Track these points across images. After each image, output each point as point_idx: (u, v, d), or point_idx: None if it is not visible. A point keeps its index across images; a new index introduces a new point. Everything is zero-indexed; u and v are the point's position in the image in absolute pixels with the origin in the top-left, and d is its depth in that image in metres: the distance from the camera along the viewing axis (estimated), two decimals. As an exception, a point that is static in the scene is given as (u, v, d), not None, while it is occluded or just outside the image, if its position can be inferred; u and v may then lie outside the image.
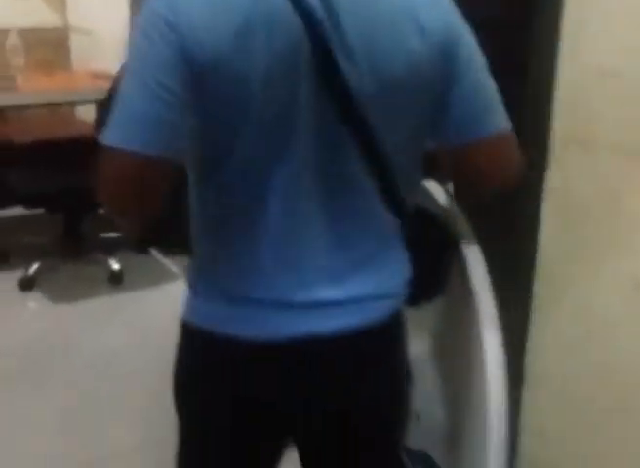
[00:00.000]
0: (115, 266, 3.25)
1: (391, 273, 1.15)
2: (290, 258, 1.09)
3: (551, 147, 1.68)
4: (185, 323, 1.16)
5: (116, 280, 3.25)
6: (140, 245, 3.49)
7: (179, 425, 1.23)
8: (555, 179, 1.70)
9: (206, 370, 1.17)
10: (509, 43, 1.65)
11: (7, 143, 3.28)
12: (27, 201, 3.19)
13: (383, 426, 1.25)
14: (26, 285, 3.18)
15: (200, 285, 1.15)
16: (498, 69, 1.65)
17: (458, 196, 1.35)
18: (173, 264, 3.44)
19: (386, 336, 1.17)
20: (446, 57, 1.05)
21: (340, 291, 1.10)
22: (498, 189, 1.20)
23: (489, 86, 1.12)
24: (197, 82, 0.95)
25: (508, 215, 1.76)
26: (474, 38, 1.10)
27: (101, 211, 3.72)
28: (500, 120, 1.12)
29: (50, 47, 2.87)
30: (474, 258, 1.31)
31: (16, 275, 3.20)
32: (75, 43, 4.29)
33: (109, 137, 0.96)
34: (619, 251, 1.62)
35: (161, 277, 3.31)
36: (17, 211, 3.31)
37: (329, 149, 1.04)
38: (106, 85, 2.21)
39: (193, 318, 1.15)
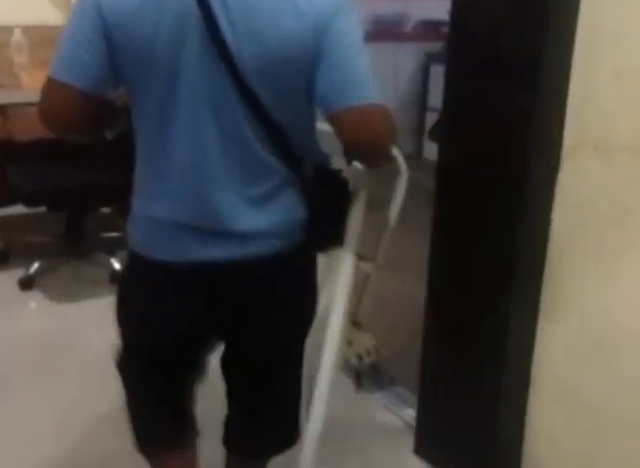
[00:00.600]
0: (116, 266, 3.22)
1: (282, 215, 1.39)
2: (195, 192, 1.34)
3: (564, 148, 1.66)
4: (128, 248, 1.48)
5: (117, 280, 3.21)
6: None
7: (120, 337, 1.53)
8: (567, 181, 1.67)
9: (135, 286, 1.50)
10: (524, 43, 1.63)
11: (9, 141, 3.25)
12: (29, 199, 3.15)
13: (269, 346, 1.53)
14: (27, 284, 3.15)
15: (132, 212, 1.44)
16: (511, 69, 1.62)
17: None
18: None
19: (277, 267, 1.42)
20: (317, 34, 1.25)
21: (236, 225, 1.35)
22: (373, 158, 1.40)
23: (356, 63, 1.29)
24: (108, 35, 1.27)
25: (519, 217, 1.73)
26: (354, 22, 1.31)
27: (104, 210, 3.70)
28: (364, 94, 1.29)
29: (54, 45, 2.82)
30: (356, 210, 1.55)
31: (16, 274, 3.17)
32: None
33: (49, 70, 1.32)
34: (631, 254, 1.59)
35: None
36: (18, 209, 3.27)
37: (227, 105, 1.29)
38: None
39: (129, 242, 1.46)
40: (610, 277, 1.64)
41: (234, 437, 1.70)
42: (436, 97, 1.90)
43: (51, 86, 1.33)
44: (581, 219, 1.67)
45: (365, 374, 1.81)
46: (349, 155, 1.43)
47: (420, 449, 2.14)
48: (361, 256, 1.65)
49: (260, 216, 1.37)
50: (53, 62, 1.32)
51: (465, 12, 1.75)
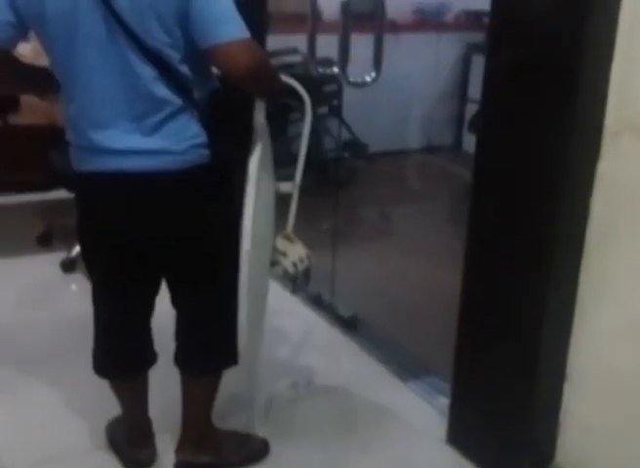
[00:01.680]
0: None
1: (180, 136, 1.64)
2: (104, 119, 1.63)
3: (606, 132, 1.64)
4: None
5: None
6: None
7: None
8: (609, 165, 1.65)
9: (79, 198, 1.79)
10: (564, 28, 1.62)
11: (53, 126, 3.31)
12: (71, 184, 3.21)
13: (185, 260, 1.78)
14: (69, 266, 3.22)
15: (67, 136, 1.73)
16: (551, 54, 1.61)
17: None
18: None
19: (181, 183, 1.67)
20: None
21: (142, 144, 1.63)
22: (245, 84, 1.65)
23: (219, 6, 1.54)
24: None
25: (557, 203, 1.72)
26: None
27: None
28: (230, 31, 1.54)
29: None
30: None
31: (59, 257, 3.25)
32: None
33: None
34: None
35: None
36: (60, 193, 3.34)
37: (115, 47, 1.55)
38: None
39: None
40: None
41: (177, 352, 1.92)
42: (477, 89, 1.89)
43: None
44: (622, 205, 1.65)
45: (300, 279, 2.05)
46: (231, 85, 1.66)
47: (452, 439, 2.14)
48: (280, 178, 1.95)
49: (157, 139, 1.63)
50: None
51: (505, 2, 1.74)
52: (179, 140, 1.64)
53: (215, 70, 1.69)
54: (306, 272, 2.01)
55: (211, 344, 1.90)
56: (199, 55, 1.59)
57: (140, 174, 1.66)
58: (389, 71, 2.99)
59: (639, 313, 1.67)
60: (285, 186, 2.00)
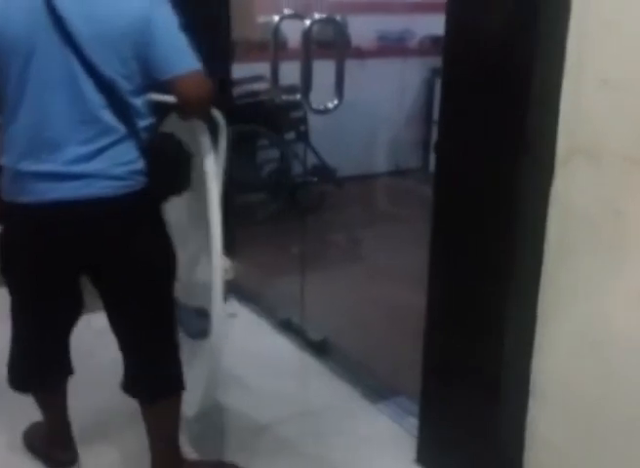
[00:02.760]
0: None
1: (121, 163, 1.72)
2: (47, 143, 1.69)
3: (557, 155, 1.69)
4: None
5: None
6: None
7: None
8: (560, 188, 1.70)
9: (9, 232, 1.79)
10: (514, 53, 1.67)
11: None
12: None
13: (127, 284, 1.82)
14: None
15: (2, 167, 1.74)
16: (502, 79, 1.66)
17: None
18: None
19: (120, 208, 1.74)
20: (144, 22, 1.67)
21: (81, 169, 1.69)
22: (198, 110, 1.81)
23: (177, 41, 1.71)
24: None
25: (515, 223, 1.76)
26: (168, 9, 1.72)
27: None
28: (189, 63, 1.72)
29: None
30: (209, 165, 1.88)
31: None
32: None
33: None
34: (623, 261, 1.61)
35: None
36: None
37: (70, 75, 1.65)
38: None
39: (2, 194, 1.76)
40: (605, 280, 1.66)
41: (125, 384, 1.95)
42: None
43: None
44: (576, 225, 1.69)
45: (225, 289, 2.04)
46: (178, 110, 1.81)
47: (421, 459, 2.16)
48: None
49: (104, 165, 1.71)
50: None
51: (457, 25, 1.80)
52: (118, 165, 1.72)
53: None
54: (229, 283, 2.05)
55: (150, 368, 1.91)
56: (146, 87, 1.75)
57: (79, 202, 1.71)
58: (355, 96, 3.04)
59: (597, 328, 1.71)
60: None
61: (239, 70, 3.67)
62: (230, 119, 2.23)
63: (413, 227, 4.37)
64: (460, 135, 1.88)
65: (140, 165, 1.74)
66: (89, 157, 1.70)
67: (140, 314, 1.86)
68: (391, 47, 4.87)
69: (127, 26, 1.66)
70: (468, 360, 1.95)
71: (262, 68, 3.44)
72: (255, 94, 4.08)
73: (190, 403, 2.01)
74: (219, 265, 1.87)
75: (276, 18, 2.77)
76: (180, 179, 1.85)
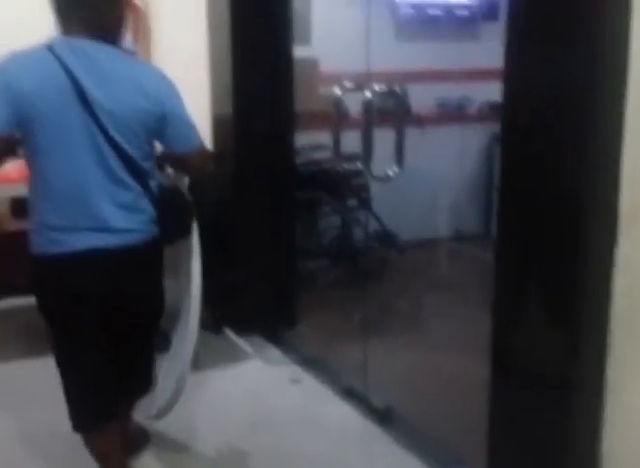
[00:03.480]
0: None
1: (139, 217, 2.08)
2: (83, 204, 2.02)
3: (621, 215, 1.67)
4: (29, 252, 2.08)
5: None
6: (215, 324, 3.58)
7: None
8: (624, 254, 1.68)
9: (41, 278, 2.10)
10: (574, 112, 1.68)
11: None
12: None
13: (141, 312, 2.18)
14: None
15: (31, 223, 2.07)
16: (562, 142, 1.66)
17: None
18: (245, 344, 3.49)
19: (139, 254, 2.09)
20: (160, 107, 2.06)
21: (111, 223, 2.03)
22: (199, 175, 2.35)
23: (186, 124, 2.15)
24: (17, 103, 1.94)
25: (577, 287, 1.74)
26: (179, 96, 2.13)
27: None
28: (197, 141, 2.19)
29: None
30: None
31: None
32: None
33: None
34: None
35: (234, 356, 3.36)
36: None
37: (95, 145, 1.99)
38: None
39: (31, 248, 2.07)
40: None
41: None
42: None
43: None
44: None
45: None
46: (188, 175, 2.40)
47: None
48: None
49: (126, 218, 2.05)
50: None
51: (515, 91, 1.83)
52: (139, 221, 2.08)
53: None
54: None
55: (142, 375, 2.33)
56: (152, 155, 2.13)
57: (105, 250, 2.03)
58: (416, 163, 3.08)
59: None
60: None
61: (302, 139, 3.78)
62: (293, 186, 2.32)
63: (475, 293, 4.34)
64: (520, 199, 1.88)
65: (154, 217, 2.11)
66: (117, 212, 2.03)
67: (139, 338, 2.25)
68: (450, 114, 4.93)
69: (143, 113, 2.03)
70: (535, 429, 1.90)
71: (324, 137, 3.53)
72: (317, 162, 4.17)
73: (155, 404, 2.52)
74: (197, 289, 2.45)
75: (338, 90, 2.86)
76: (185, 225, 2.34)
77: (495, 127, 4.82)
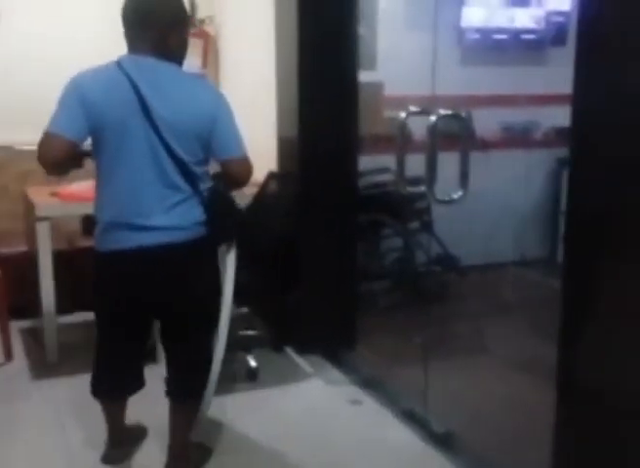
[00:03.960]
0: (252, 363, 3.36)
1: (189, 216, 2.31)
2: (136, 203, 2.27)
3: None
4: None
5: (252, 376, 3.35)
6: (277, 343, 3.62)
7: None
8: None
9: (99, 274, 2.40)
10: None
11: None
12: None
13: (195, 309, 2.42)
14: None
15: (97, 222, 2.36)
16: (629, 164, 1.64)
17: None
18: (306, 363, 3.51)
19: (188, 251, 2.31)
20: (212, 117, 2.30)
21: (159, 222, 2.27)
22: (239, 185, 2.46)
23: (233, 133, 2.35)
24: (90, 113, 2.22)
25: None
26: (229, 106, 2.35)
27: (241, 309, 3.90)
28: (241, 149, 2.37)
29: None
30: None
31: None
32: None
33: (46, 129, 2.22)
34: None
35: (294, 375, 3.39)
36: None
37: (152, 150, 2.24)
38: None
39: (94, 243, 2.39)
40: None
41: (168, 388, 2.51)
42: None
43: (47, 137, 2.21)
44: None
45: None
46: (226, 183, 2.44)
47: None
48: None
49: (173, 217, 2.28)
50: (48, 124, 2.22)
51: (584, 117, 1.82)
52: (187, 219, 2.30)
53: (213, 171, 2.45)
54: None
55: (195, 377, 2.52)
56: (205, 161, 2.34)
57: (157, 246, 2.27)
58: (481, 186, 3.07)
59: None
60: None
61: (367, 162, 3.81)
62: (356, 208, 2.32)
63: (539, 318, 4.27)
64: (588, 225, 1.86)
65: (202, 218, 2.33)
66: (165, 212, 2.27)
67: (196, 337, 2.47)
68: (516, 138, 4.90)
69: (196, 121, 2.27)
70: (603, 458, 1.87)
71: (388, 160, 3.56)
72: (380, 185, 4.20)
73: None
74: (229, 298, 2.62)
75: (403, 114, 2.88)
76: (232, 228, 2.50)
77: (560, 151, 4.78)
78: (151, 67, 2.26)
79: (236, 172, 2.38)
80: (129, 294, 2.36)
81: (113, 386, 2.56)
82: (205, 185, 2.35)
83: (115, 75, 2.23)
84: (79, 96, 2.21)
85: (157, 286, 2.33)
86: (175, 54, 2.34)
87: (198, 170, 2.31)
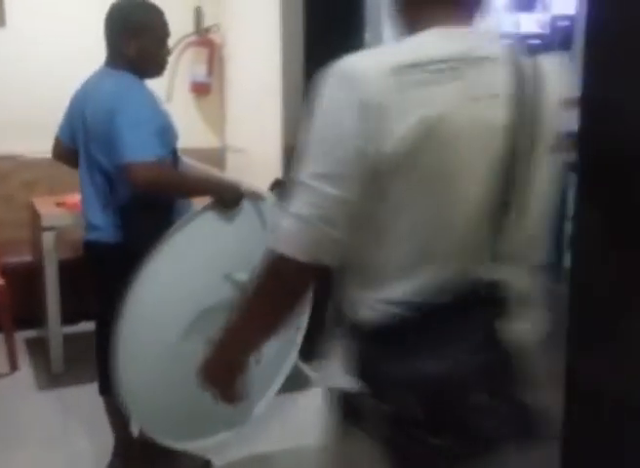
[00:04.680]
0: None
1: (110, 218, 2.39)
2: (83, 203, 2.48)
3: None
4: None
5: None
6: (308, 356, 3.56)
7: None
8: None
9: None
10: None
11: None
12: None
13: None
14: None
15: None
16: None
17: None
18: (310, 370, 3.49)
19: (105, 250, 2.43)
20: (110, 114, 2.24)
21: (90, 221, 2.44)
22: (143, 192, 2.28)
23: (131, 133, 2.20)
24: (70, 120, 2.58)
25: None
26: (136, 102, 2.28)
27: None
28: (129, 154, 2.19)
29: (209, 164, 3.17)
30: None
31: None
32: (230, 161, 4.64)
33: None
34: None
35: (298, 382, 3.36)
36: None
37: (86, 155, 2.41)
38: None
39: None
40: None
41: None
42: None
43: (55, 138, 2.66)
44: None
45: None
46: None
47: None
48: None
49: (98, 216, 2.37)
50: None
51: (592, 121, 1.80)
52: (111, 221, 2.34)
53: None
54: None
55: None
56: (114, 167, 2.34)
57: (89, 242, 2.43)
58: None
59: None
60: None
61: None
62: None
63: (547, 324, 4.23)
64: (596, 229, 1.84)
65: (120, 222, 2.36)
66: (95, 210, 2.40)
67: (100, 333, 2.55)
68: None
69: (100, 119, 2.28)
70: (611, 462, 1.84)
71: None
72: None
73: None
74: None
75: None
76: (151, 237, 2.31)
77: (566, 156, 4.75)
78: (96, 76, 2.41)
79: (132, 178, 2.19)
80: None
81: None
82: (125, 191, 2.29)
83: (81, 87, 2.45)
84: (70, 102, 2.49)
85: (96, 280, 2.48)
86: (134, 63, 2.33)
87: (116, 175, 2.29)
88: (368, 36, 3.48)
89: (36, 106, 3.98)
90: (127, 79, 2.33)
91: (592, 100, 1.79)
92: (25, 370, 3.59)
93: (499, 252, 1.17)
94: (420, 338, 1.10)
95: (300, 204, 1.12)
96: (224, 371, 1.24)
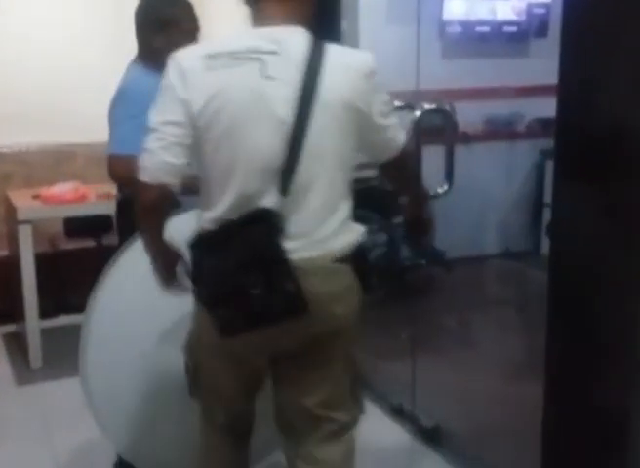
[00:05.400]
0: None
1: None
2: None
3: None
4: None
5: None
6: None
7: None
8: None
9: None
10: (630, 128, 1.66)
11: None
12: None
13: None
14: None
15: None
16: (616, 155, 1.63)
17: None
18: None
19: None
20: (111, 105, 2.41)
21: None
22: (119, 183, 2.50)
23: (113, 126, 2.35)
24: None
25: (635, 301, 1.70)
26: (120, 104, 2.35)
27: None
28: (109, 147, 2.32)
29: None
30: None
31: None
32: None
33: None
34: None
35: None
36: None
37: None
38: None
39: None
40: None
41: None
42: (552, 193, 1.94)
43: None
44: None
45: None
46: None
47: None
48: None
49: None
50: None
51: (570, 106, 1.81)
52: None
53: None
54: None
55: None
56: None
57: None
58: (463, 179, 3.06)
59: None
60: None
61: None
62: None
63: (524, 311, 4.29)
64: (573, 216, 1.86)
65: None
66: None
67: None
68: (499, 130, 4.89)
69: (109, 113, 2.37)
70: (590, 453, 1.86)
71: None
72: (363, 180, 4.17)
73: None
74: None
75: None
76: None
77: (544, 143, 4.78)
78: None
79: (109, 170, 2.36)
80: None
81: None
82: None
83: None
84: None
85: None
86: (162, 57, 2.27)
87: None
88: (344, 25, 3.46)
89: (11, 99, 3.91)
90: (133, 73, 2.40)
91: (570, 87, 1.80)
92: (4, 366, 3.56)
93: (285, 190, 1.57)
94: (214, 243, 1.60)
95: (149, 141, 1.61)
96: (157, 270, 1.79)
